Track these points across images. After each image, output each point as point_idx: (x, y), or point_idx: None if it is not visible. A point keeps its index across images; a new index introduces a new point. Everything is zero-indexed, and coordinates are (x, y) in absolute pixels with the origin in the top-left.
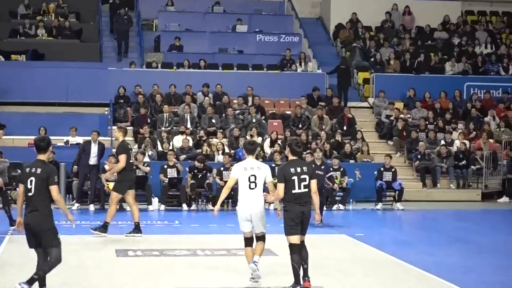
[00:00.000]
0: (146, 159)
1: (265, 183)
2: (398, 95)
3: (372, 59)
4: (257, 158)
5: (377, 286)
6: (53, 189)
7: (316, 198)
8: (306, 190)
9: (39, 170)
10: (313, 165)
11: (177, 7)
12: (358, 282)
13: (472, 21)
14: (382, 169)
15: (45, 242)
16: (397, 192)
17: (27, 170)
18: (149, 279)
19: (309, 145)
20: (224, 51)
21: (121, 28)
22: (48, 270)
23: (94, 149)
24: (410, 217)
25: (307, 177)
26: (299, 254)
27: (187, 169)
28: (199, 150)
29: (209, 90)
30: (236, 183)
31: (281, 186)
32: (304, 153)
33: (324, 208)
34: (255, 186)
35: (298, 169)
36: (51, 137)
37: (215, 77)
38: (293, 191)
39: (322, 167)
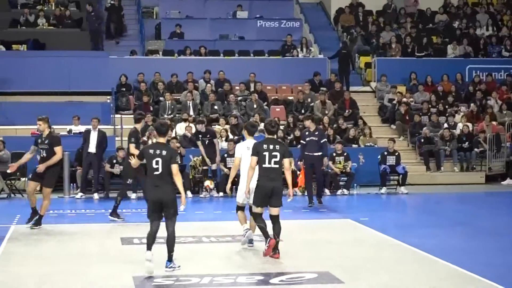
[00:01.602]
0: None
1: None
2: (400, 79)
3: (373, 43)
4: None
5: (381, 269)
6: (174, 167)
7: (288, 175)
8: (276, 166)
9: (164, 152)
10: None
11: None
12: (362, 266)
13: (472, 3)
14: (385, 153)
15: (167, 213)
16: (401, 176)
17: (151, 151)
18: (155, 266)
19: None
20: (225, 38)
21: (91, 27)
22: (174, 243)
23: (93, 136)
24: (414, 200)
25: (278, 154)
26: (261, 219)
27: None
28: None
29: (211, 77)
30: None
31: (253, 159)
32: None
33: (328, 192)
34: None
35: (271, 146)
36: (53, 127)
37: (216, 64)
38: (263, 165)
39: (316, 132)
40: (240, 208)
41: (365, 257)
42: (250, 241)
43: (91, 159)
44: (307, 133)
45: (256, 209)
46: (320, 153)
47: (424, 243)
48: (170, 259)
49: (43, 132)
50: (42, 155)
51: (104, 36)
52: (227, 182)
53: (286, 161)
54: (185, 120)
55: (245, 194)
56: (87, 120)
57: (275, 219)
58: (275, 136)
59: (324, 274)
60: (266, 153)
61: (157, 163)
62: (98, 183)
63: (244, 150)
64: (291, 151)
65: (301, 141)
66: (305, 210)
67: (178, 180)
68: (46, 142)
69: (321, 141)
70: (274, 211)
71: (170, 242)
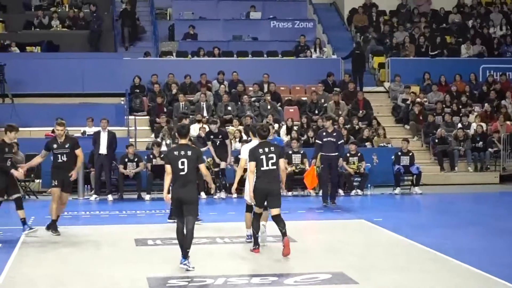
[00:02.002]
0: (164, 148)
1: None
2: (413, 79)
3: (387, 43)
4: None
5: (395, 270)
6: (202, 166)
7: (284, 175)
8: (274, 167)
9: (189, 152)
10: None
11: None
12: (376, 266)
13: (486, 3)
14: (399, 153)
15: (188, 210)
16: (415, 176)
17: (176, 153)
18: (169, 268)
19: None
20: (238, 39)
21: (92, 28)
22: (191, 241)
23: (103, 137)
24: (428, 201)
25: (274, 156)
26: (258, 222)
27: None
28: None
29: (224, 77)
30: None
31: (252, 164)
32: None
33: (342, 193)
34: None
35: (266, 149)
36: (67, 128)
37: (230, 64)
38: (262, 168)
39: (334, 134)
40: (250, 208)
41: (379, 257)
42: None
43: (102, 161)
44: (324, 133)
45: (256, 209)
46: (336, 154)
47: (438, 243)
48: (185, 256)
49: (61, 137)
50: (61, 160)
51: (119, 40)
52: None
53: (281, 161)
54: (199, 121)
55: (251, 199)
56: None
57: (278, 218)
58: (267, 139)
59: (338, 274)
60: (263, 156)
61: (182, 163)
62: (110, 184)
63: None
64: (306, 151)
65: (317, 141)
66: (319, 210)
67: (208, 177)
68: (66, 146)
69: (339, 142)
70: (275, 211)
71: (188, 240)
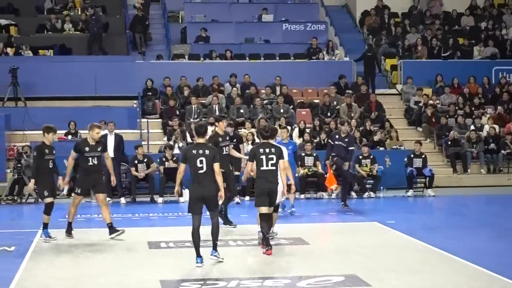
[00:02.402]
0: (176, 151)
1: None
2: (426, 81)
3: (399, 45)
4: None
5: (408, 272)
6: (216, 165)
7: (284, 175)
8: (274, 168)
9: (207, 151)
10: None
11: None
12: (389, 268)
13: (499, 5)
14: (412, 155)
15: (210, 205)
16: (427, 178)
17: (194, 152)
18: (182, 270)
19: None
20: (250, 41)
21: (91, 30)
22: (218, 233)
23: (110, 140)
24: (441, 203)
25: (274, 156)
26: (267, 222)
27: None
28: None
29: (237, 80)
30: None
31: (250, 164)
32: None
33: (355, 195)
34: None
35: (267, 150)
36: (80, 131)
37: (242, 67)
38: (262, 168)
39: (346, 139)
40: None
41: (392, 259)
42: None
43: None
44: (337, 136)
45: (262, 209)
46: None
47: (451, 245)
48: (215, 247)
49: (96, 139)
50: (92, 163)
51: (130, 46)
52: (253, 186)
53: (281, 162)
54: (211, 124)
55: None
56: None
57: (269, 216)
58: (269, 140)
59: (351, 277)
60: (263, 157)
61: (201, 162)
62: (121, 187)
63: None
64: (318, 154)
65: (329, 141)
66: (332, 213)
67: (219, 177)
68: (99, 149)
69: (349, 148)
70: (269, 210)
71: (215, 231)
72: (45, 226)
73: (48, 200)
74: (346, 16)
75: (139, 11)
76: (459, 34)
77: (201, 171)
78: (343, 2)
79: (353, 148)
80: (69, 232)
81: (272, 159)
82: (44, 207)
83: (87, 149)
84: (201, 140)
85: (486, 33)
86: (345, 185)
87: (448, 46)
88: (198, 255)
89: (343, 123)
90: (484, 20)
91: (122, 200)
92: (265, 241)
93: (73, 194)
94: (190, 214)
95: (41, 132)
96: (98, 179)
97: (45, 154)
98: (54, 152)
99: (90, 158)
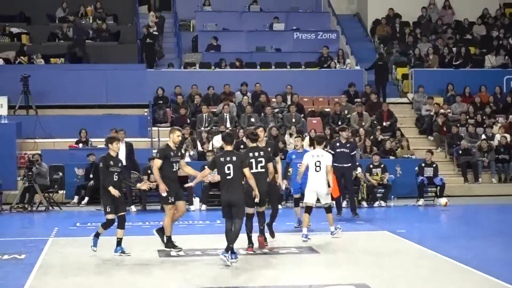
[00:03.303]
0: (187, 159)
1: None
2: (437, 90)
3: (410, 54)
4: None
5: (418, 281)
6: (246, 170)
7: (271, 176)
8: (263, 170)
9: (234, 158)
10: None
11: (214, 7)
12: (400, 277)
13: (510, 14)
14: (423, 164)
15: (236, 212)
16: (438, 187)
17: (222, 159)
18: (192, 279)
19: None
20: (261, 50)
21: (78, 38)
22: (235, 238)
23: (122, 148)
24: (452, 212)
25: (263, 160)
26: (251, 222)
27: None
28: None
29: (248, 89)
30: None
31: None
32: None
33: (365, 205)
34: (320, 169)
35: (256, 154)
36: (91, 139)
37: (253, 76)
38: (251, 171)
39: (348, 145)
40: (308, 208)
41: (403, 268)
42: (305, 236)
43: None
44: (338, 144)
45: (248, 210)
46: (349, 164)
47: (462, 254)
48: (227, 249)
49: (176, 144)
50: (175, 169)
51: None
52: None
53: (270, 165)
54: (222, 133)
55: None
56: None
57: (259, 215)
58: (257, 144)
59: (362, 286)
60: (253, 160)
61: (228, 168)
62: (132, 195)
63: (309, 158)
64: None
65: (330, 151)
66: (342, 222)
67: (252, 180)
68: (179, 154)
69: (352, 153)
70: (260, 209)
71: (233, 236)
72: (119, 241)
73: (110, 217)
74: (357, 25)
75: (149, 28)
76: (471, 43)
77: (228, 177)
78: (355, 11)
79: (355, 152)
80: (173, 246)
81: (261, 162)
82: (104, 221)
83: (172, 154)
84: (229, 148)
85: (497, 42)
86: (352, 194)
87: (460, 55)
88: (232, 251)
89: (343, 130)
90: (496, 29)
91: (133, 208)
92: (248, 239)
93: (165, 206)
94: (200, 222)
95: (51, 140)
96: (179, 186)
97: (110, 166)
98: (119, 164)
99: (174, 164)
